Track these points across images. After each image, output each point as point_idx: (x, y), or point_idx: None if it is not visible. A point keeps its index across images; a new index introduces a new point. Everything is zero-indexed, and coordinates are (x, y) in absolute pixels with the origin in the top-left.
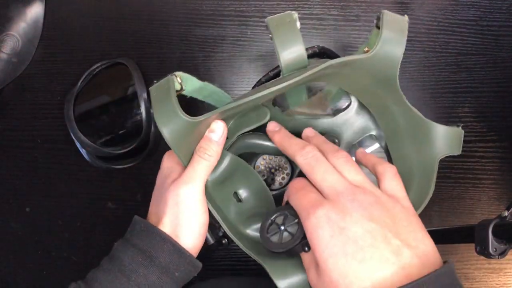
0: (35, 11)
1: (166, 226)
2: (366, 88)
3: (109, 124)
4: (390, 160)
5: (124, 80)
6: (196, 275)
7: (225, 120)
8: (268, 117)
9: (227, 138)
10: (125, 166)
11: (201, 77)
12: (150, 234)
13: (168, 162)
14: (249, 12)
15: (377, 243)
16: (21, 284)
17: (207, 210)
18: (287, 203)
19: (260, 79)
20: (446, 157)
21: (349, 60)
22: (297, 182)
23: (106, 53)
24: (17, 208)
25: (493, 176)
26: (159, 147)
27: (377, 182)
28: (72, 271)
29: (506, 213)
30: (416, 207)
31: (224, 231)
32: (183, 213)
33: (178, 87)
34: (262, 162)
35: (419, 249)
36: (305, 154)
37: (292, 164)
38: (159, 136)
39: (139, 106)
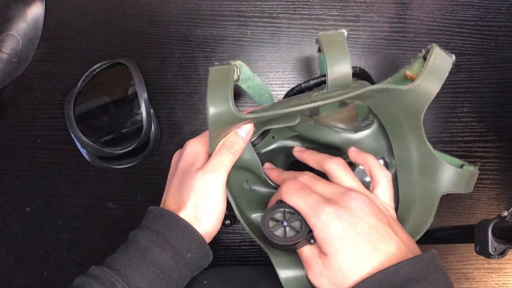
0: (35, 11)
1: (189, 210)
2: (392, 112)
3: (109, 124)
4: (396, 185)
5: (124, 80)
6: (207, 265)
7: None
8: (297, 121)
9: (255, 128)
10: (125, 166)
11: (201, 77)
12: (164, 217)
13: (193, 150)
14: (249, 12)
15: (381, 238)
16: (21, 284)
17: (226, 198)
18: (280, 201)
19: (301, 84)
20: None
21: (389, 88)
22: (293, 184)
23: (106, 53)
24: (17, 208)
25: (493, 176)
26: (159, 147)
27: (371, 185)
28: (72, 271)
29: (505, 213)
30: (413, 235)
31: (229, 211)
32: (207, 199)
33: (235, 77)
34: None
35: (411, 246)
36: (333, 161)
37: None
38: (159, 136)
39: (139, 106)
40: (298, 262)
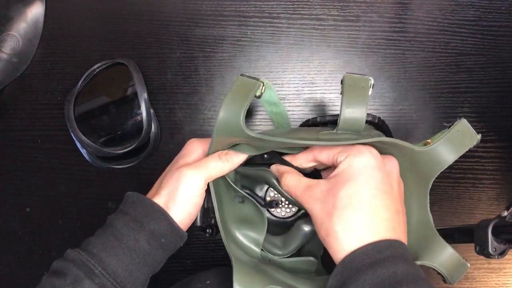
0: (35, 11)
1: (162, 197)
2: (400, 171)
3: (109, 124)
4: None
5: (124, 80)
6: (182, 245)
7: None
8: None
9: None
10: (125, 166)
11: (201, 77)
12: (142, 204)
13: (190, 147)
14: (249, 12)
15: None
16: (21, 284)
17: (203, 197)
18: None
19: (316, 117)
20: None
21: (400, 145)
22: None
23: (106, 53)
24: (17, 208)
25: (493, 176)
26: (159, 147)
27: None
28: None
29: (505, 213)
30: None
31: (215, 221)
32: (181, 190)
33: (258, 93)
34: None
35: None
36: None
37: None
38: (159, 136)
39: (139, 106)
40: (259, 283)
